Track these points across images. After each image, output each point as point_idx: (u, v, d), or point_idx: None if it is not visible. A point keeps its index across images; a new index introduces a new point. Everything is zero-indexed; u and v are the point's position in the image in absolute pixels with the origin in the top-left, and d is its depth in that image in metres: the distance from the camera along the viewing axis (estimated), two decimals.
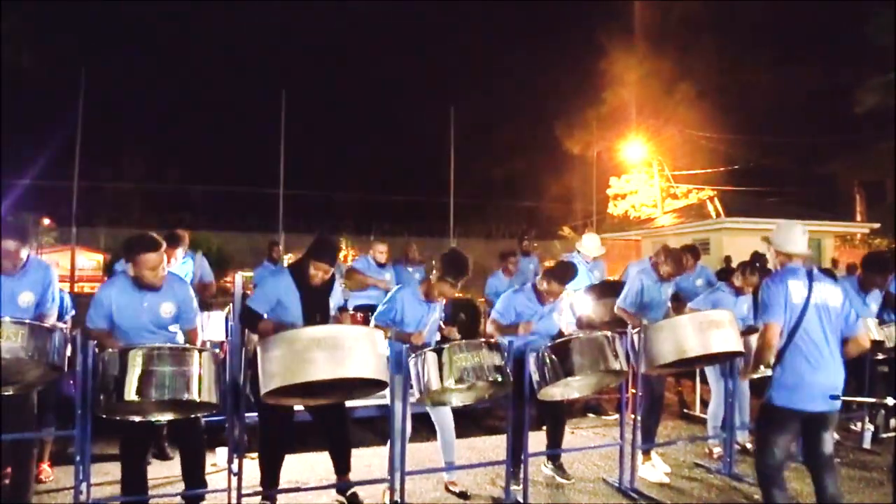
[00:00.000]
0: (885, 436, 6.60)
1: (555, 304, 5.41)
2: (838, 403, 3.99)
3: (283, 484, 4.80)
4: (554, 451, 5.48)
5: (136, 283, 4.29)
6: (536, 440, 5.37)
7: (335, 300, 4.83)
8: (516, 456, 4.90)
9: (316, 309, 4.58)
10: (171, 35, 39.64)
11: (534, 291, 5.35)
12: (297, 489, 4.89)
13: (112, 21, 37.24)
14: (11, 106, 23.18)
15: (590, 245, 8.05)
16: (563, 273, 5.30)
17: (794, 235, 4.16)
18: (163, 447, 5.65)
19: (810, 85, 27.40)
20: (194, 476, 4.43)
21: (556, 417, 5.50)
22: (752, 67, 28.39)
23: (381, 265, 8.24)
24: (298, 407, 4.76)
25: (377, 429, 6.33)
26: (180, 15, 38.38)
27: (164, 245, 4.31)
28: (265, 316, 4.59)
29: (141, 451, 4.45)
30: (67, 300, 5.27)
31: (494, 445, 6.11)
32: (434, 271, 4.97)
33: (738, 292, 6.08)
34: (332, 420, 4.80)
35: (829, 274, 6.47)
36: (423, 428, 5.40)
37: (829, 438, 4.06)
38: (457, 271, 4.84)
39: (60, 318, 4.87)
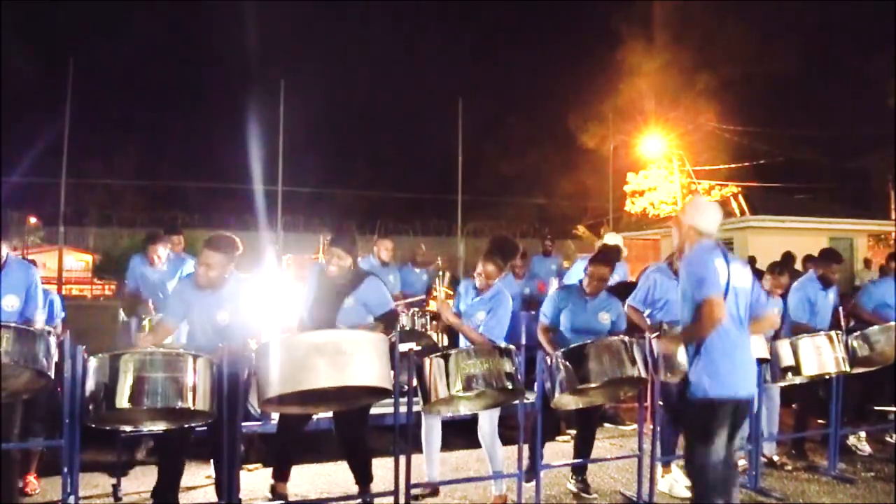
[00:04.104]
0: None
1: (604, 302, 5.44)
2: (755, 391, 4.13)
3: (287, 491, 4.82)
4: (569, 464, 5.47)
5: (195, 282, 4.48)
6: (550, 451, 5.37)
7: (372, 303, 4.77)
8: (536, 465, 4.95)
9: (324, 303, 4.65)
10: (163, 25, 39.80)
11: (580, 288, 5.42)
12: (295, 502, 4.90)
13: (101, 11, 37.40)
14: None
15: (612, 244, 8.04)
16: (607, 255, 5.45)
17: (711, 214, 4.19)
18: (134, 458, 5.62)
19: (842, 74, 27.27)
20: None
21: (587, 426, 5.51)
22: (779, 55, 28.24)
23: (384, 264, 8.13)
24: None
25: (382, 439, 6.33)
26: (173, 4, 38.51)
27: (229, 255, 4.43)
28: None
29: (178, 457, 4.46)
30: (58, 303, 5.30)
31: (505, 457, 6.10)
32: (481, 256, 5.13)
33: (768, 295, 6.05)
34: (347, 427, 4.79)
35: (786, 270, 6.59)
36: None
37: (742, 431, 4.11)
38: (500, 251, 5.00)
39: (50, 320, 4.90)
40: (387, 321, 4.76)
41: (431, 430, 5.01)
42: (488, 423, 5.01)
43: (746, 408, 4.08)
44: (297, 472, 5.33)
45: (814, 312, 6.26)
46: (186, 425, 4.22)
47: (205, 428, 4.30)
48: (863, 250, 20.25)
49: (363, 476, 4.81)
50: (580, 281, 5.51)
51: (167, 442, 4.39)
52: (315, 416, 4.97)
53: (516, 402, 4.80)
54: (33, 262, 5.13)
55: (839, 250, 18.13)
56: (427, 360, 4.46)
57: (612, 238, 8.35)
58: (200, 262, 4.40)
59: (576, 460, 5.47)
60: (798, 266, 9.53)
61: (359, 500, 4.82)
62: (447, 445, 5.05)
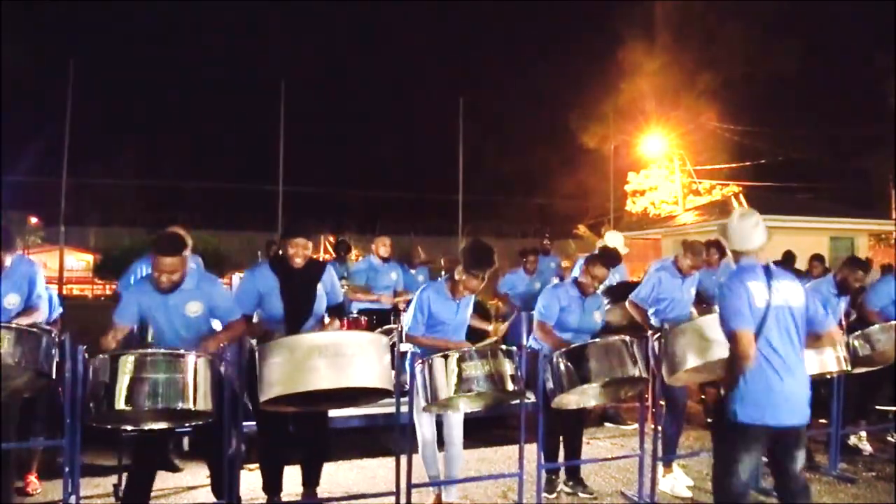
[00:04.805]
0: None
1: (595, 300, 5.42)
2: (808, 416, 3.80)
3: (282, 496, 4.81)
4: (570, 463, 5.46)
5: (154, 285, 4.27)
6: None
7: (329, 292, 4.81)
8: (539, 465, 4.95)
9: (298, 299, 4.59)
10: (164, 24, 39.82)
11: (575, 285, 5.38)
12: (296, 502, 4.90)
13: (102, 10, 37.42)
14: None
15: (614, 244, 8.04)
16: (608, 256, 5.37)
17: (745, 228, 3.95)
18: (168, 458, 5.64)
19: (842, 73, 27.26)
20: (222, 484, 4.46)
21: (573, 427, 5.48)
22: (781, 55, 28.24)
23: (385, 260, 8.18)
24: None
25: (382, 439, 6.34)
26: (174, 5, 38.53)
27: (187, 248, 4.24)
28: (254, 316, 4.67)
29: (152, 462, 4.38)
30: (55, 298, 5.29)
31: (506, 457, 6.11)
32: (458, 267, 4.89)
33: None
34: (311, 427, 4.77)
35: (787, 268, 6.41)
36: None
37: (801, 457, 3.86)
38: (482, 262, 4.74)
39: (48, 317, 4.89)
40: (339, 313, 4.89)
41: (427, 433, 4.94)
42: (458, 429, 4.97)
43: (791, 438, 3.79)
44: (298, 472, 5.33)
45: None
46: (187, 425, 4.23)
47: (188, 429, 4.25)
48: (864, 250, 20.24)
49: (313, 477, 4.78)
50: (574, 279, 5.48)
51: (143, 446, 4.26)
52: None
53: (516, 401, 4.80)
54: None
55: (840, 250, 18.18)
56: (428, 361, 4.45)
57: (613, 237, 8.35)
58: (158, 269, 4.15)
59: (572, 461, 5.46)
60: (802, 265, 9.54)
61: (360, 500, 4.82)
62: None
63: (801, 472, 3.87)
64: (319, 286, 4.73)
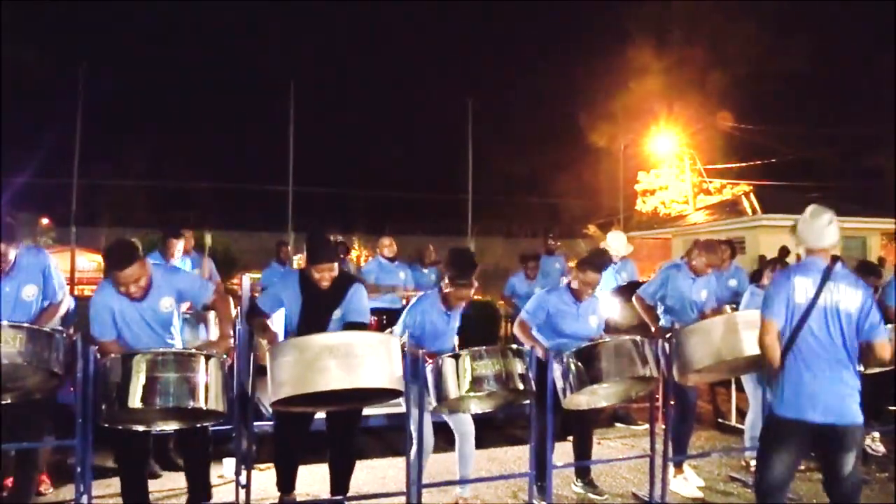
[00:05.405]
0: None
1: (591, 304, 5.37)
2: (850, 418, 3.72)
3: (295, 495, 4.82)
4: (581, 464, 5.45)
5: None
6: (561, 451, 5.36)
7: (346, 312, 4.56)
8: (541, 468, 4.89)
9: (314, 318, 4.50)
10: (174, 26, 40.01)
11: (569, 291, 5.32)
12: (311, 502, 4.91)
13: (112, 13, 37.61)
14: (8, 101, 23.46)
15: (616, 244, 8.03)
16: (598, 260, 5.34)
17: (817, 227, 3.96)
18: (169, 458, 5.68)
19: (853, 71, 27.11)
20: (198, 486, 4.46)
21: (582, 427, 5.46)
22: (791, 53, 28.12)
23: (391, 260, 8.26)
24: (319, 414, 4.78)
25: (391, 439, 6.33)
26: (183, 5, 38.70)
27: (139, 256, 4.16)
28: (270, 316, 4.65)
29: (139, 462, 4.40)
30: (71, 305, 5.31)
31: (516, 457, 6.11)
32: (443, 280, 4.89)
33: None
34: (341, 429, 4.72)
35: (864, 270, 6.28)
36: (440, 438, 5.43)
37: (847, 460, 3.71)
38: (462, 269, 4.77)
39: (66, 321, 4.90)
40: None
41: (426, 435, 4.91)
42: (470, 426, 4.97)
43: (829, 438, 3.71)
44: (309, 472, 5.35)
45: None
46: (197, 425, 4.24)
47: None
48: (876, 249, 20.13)
49: (342, 484, 4.71)
50: (568, 284, 5.42)
51: (126, 445, 4.26)
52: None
53: (527, 401, 4.79)
54: None
55: (852, 249, 18.04)
56: (438, 360, 4.45)
57: (614, 236, 8.34)
58: (122, 283, 4.10)
59: (582, 461, 5.44)
60: None
61: (371, 500, 4.82)
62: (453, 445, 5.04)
63: (851, 477, 3.73)
64: (338, 311, 4.55)
